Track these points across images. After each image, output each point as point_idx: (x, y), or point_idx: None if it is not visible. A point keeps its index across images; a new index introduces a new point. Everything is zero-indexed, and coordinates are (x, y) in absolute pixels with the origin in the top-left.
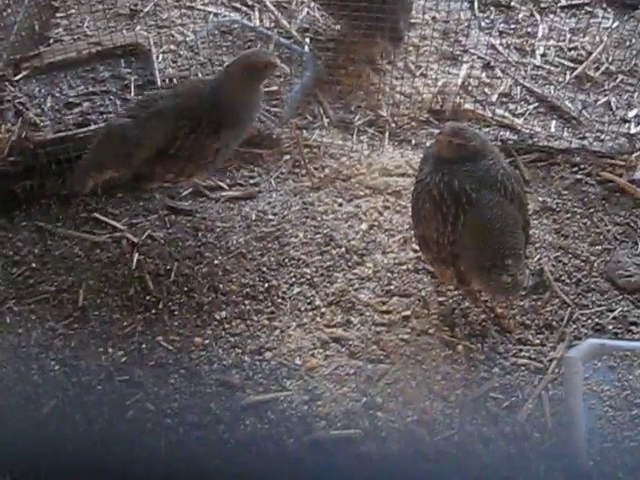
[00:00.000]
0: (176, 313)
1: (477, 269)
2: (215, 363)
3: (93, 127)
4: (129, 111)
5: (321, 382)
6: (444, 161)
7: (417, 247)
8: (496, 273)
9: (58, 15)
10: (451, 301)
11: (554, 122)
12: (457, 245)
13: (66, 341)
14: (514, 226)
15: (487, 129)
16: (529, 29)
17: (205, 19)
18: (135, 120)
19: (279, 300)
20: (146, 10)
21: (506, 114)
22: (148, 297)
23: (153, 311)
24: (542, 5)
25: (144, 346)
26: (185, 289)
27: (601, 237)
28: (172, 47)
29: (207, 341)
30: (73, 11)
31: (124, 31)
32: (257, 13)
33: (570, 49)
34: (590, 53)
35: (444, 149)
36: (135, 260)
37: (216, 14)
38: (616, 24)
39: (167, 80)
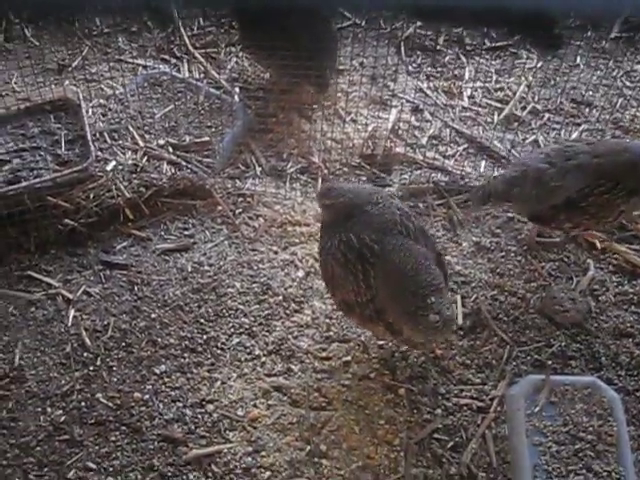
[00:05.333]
0: (115, 369)
1: (403, 317)
2: (156, 418)
3: (24, 184)
4: (547, 157)
5: (264, 432)
6: (335, 223)
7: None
8: (422, 315)
9: None
10: (390, 344)
11: (484, 162)
12: (377, 300)
13: (3, 402)
14: (427, 263)
15: (418, 172)
16: (456, 72)
17: (134, 72)
18: (553, 167)
19: (219, 351)
20: (74, 64)
21: (437, 156)
22: (86, 354)
23: (91, 368)
24: (467, 48)
25: (83, 404)
26: (123, 344)
27: (536, 274)
28: (102, 101)
29: (147, 396)
30: (0, 67)
31: (53, 86)
32: (186, 64)
33: (497, 90)
34: (516, 93)
35: (323, 213)
36: (71, 317)
37: (145, 67)
38: (540, 64)
39: (97, 134)
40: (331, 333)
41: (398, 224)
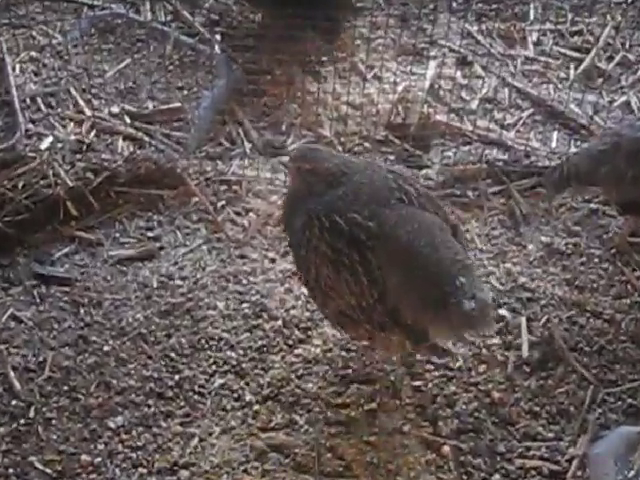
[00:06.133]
0: (54, 422)
1: (427, 311)
2: None
3: None
4: None
5: None
6: (310, 200)
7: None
8: (453, 303)
9: None
10: (431, 385)
11: (556, 133)
12: (388, 296)
13: None
14: (443, 234)
15: (467, 147)
16: (517, 9)
17: (77, 14)
18: None
19: (196, 397)
20: None
21: (492, 126)
22: (14, 402)
23: (22, 421)
24: None
25: (12, 471)
26: (65, 388)
27: (628, 287)
28: (33, 54)
29: (99, 459)
30: None
31: None
32: (147, 3)
33: (573, 34)
34: (599, 38)
35: (296, 181)
36: None
37: (91, 6)
38: None
39: (28, 100)
40: (349, 371)
41: (395, 190)
